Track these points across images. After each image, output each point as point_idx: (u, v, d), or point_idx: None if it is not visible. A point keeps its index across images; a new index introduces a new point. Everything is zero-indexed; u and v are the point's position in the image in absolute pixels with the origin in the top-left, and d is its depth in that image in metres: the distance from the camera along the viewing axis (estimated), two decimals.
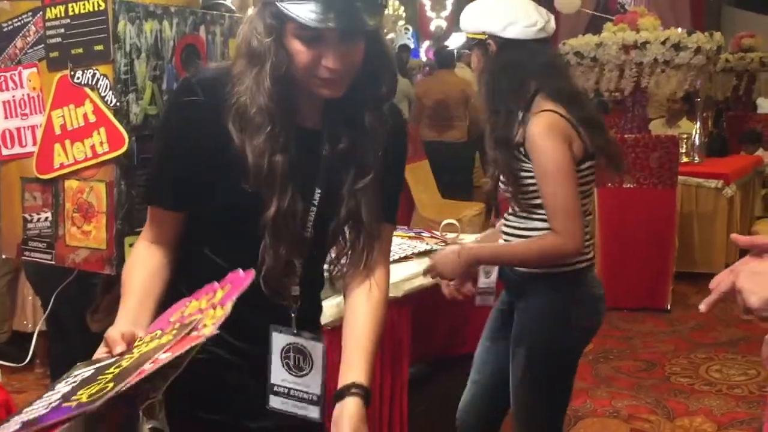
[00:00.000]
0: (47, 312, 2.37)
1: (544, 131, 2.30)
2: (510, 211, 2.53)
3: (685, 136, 6.31)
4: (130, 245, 1.92)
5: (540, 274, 2.47)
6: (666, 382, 4.25)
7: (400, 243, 3.51)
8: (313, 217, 1.57)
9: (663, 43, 5.86)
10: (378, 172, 1.57)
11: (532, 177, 2.36)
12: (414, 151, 6.89)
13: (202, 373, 1.55)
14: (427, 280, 3.26)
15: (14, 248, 2.15)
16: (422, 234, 3.75)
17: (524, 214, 2.45)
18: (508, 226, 2.54)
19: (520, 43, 2.37)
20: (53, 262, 2.06)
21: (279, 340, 1.62)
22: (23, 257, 2.15)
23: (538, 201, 2.38)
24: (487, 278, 2.64)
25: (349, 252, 1.63)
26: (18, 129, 2.09)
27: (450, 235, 3.68)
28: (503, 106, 2.38)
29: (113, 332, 1.40)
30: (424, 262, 3.34)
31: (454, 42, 13.48)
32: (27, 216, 2.09)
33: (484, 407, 2.80)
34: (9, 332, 4.54)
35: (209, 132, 1.49)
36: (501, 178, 2.48)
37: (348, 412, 1.51)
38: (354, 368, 1.61)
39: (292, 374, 1.63)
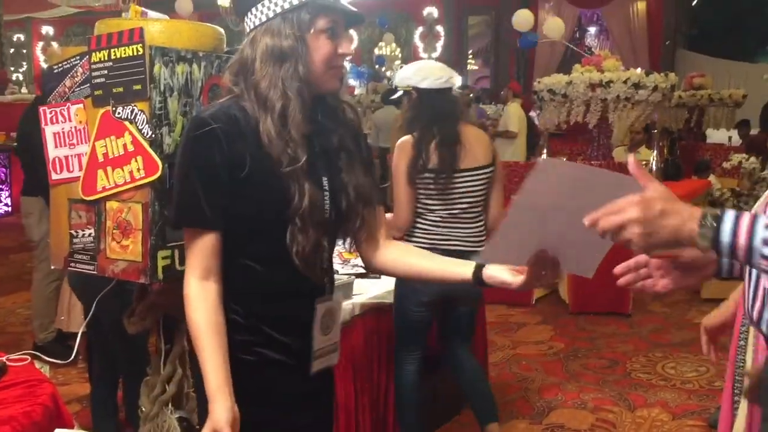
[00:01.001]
0: (89, 316, 2.37)
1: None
2: None
3: (644, 162, 6.35)
4: (162, 258, 1.93)
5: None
6: (627, 378, 4.25)
7: None
8: (328, 200, 1.63)
9: (625, 82, 5.90)
10: (361, 156, 1.70)
11: None
12: None
13: (251, 374, 1.59)
14: None
15: (62, 260, 2.16)
16: None
17: None
18: None
19: (432, 90, 3.00)
20: (95, 273, 2.06)
21: (320, 310, 1.66)
22: (69, 268, 2.16)
23: None
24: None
25: (363, 223, 1.69)
26: (66, 157, 2.10)
27: None
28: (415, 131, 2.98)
29: (221, 420, 1.47)
30: None
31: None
32: (73, 232, 2.10)
33: None
34: (55, 332, 4.54)
35: (231, 152, 1.53)
36: None
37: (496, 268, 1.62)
38: (462, 264, 1.71)
39: (324, 335, 1.69)
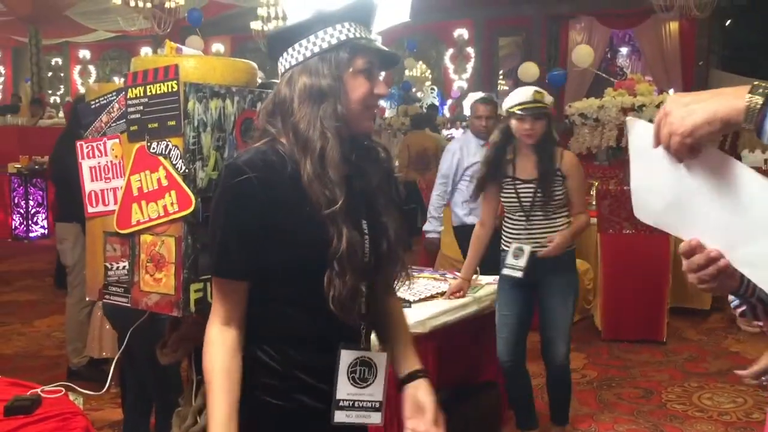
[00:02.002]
0: (123, 345, 2.40)
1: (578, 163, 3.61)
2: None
3: None
4: (195, 290, 1.94)
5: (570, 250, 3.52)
6: (662, 408, 4.17)
7: (426, 284, 3.52)
8: (368, 244, 1.61)
9: (657, 106, 5.85)
10: (395, 199, 1.71)
11: None
12: None
13: (277, 418, 1.59)
14: (451, 317, 3.26)
15: (97, 292, 2.19)
16: (446, 276, 3.75)
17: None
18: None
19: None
20: (129, 305, 2.09)
21: (346, 357, 1.62)
22: (104, 300, 2.18)
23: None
24: (516, 260, 3.42)
25: (403, 267, 1.69)
26: (102, 191, 2.13)
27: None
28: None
29: None
30: (448, 302, 3.35)
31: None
32: (108, 264, 2.12)
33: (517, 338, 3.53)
34: (88, 357, 4.59)
35: (267, 201, 1.53)
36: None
37: (424, 388, 1.69)
38: (410, 358, 1.73)
39: (356, 387, 1.64)
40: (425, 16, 11.19)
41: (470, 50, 15.70)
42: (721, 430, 3.86)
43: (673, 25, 13.71)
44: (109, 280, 2.14)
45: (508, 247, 3.46)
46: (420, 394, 1.68)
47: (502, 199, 3.51)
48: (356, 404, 1.63)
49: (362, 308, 1.61)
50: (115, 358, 2.47)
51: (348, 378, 1.63)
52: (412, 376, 1.70)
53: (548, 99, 3.49)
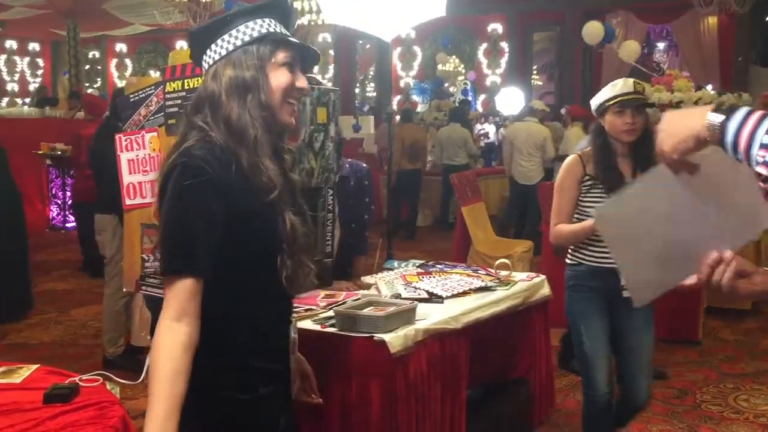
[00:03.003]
0: None
1: None
2: None
3: None
4: None
5: None
6: (697, 409, 4.10)
7: (459, 279, 3.50)
8: (306, 226, 1.70)
9: (696, 102, 5.76)
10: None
11: None
12: (472, 193, 6.88)
13: (247, 411, 1.64)
14: (483, 313, 3.24)
15: (133, 283, 2.22)
16: (479, 272, 3.73)
17: None
18: None
19: None
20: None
21: (292, 332, 1.80)
22: (141, 291, 2.21)
23: None
24: None
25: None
26: (140, 183, 2.16)
27: (503, 273, 3.66)
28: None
29: None
30: (481, 297, 3.33)
31: (507, 95, 13.47)
32: (145, 256, 2.15)
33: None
34: (123, 346, 4.66)
35: (223, 196, 1.55)
36: None
37: (302, 359, 1.93)
38: None
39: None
40: (459, 10, 11.12)
41: (504, 45, 15.58)
42: None
43: (712, 20, 13.47)
44: (146, 272, 2.17)
45: (592, 261, 3.01)
46: (304, 365, 1.93)
47: (586, 207, 3.01)
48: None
49: (304, 283, 1.71)
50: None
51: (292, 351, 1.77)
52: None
53: (649, 91, 3.21)
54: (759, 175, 1.25)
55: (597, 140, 3.04)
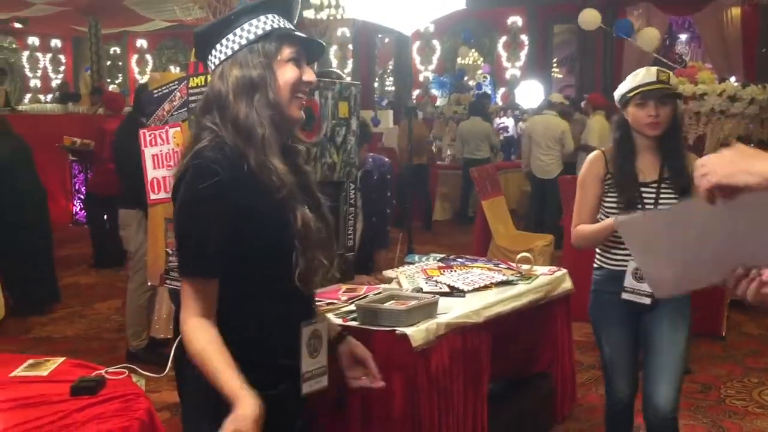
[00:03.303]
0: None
1: None
2: None
3: None
4: None
5: None
6: (722, 404, 4.07)
7: (480, 273, 3.50)
8: (321, 222, 1.69)
9: (720, 94, 5.69)
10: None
11: None
12: (492, 187, 6.85)
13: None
14: (504, 307, 3.24)
15: (157, 277, 2.24)
16: (500, 266, 3.72)
17: None
18: None
19: None
20: None
21: (306, 333, 1.71)
22: (165, 285, 2.23)
23: None
24: (641, 282, 2.72)
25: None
26: (164, 178, 2.17)
27: (524, 267, 3.65)
28: None
29: (247, 416, 1.48)
30: (502, 291, 3.32)
31: (526, 88, 13.41)
32: (169, 250, 2.17)
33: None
34: (146, 340, 4.70)
35: (236, 198, 1.56)
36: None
37: (356, 343, 1.88)
38: (331, 322, 1.95)
39: (312, 358, 1.73)
40: (479, 3, 11.07)
41: (524, 38, 15.49)
42: None
43: (735, 11, 13.29)
44: (170, 266, 2.19)
45: (612, 264, 2.84)
46: (357, 349, 1.87)
47: (609, 206, 2.82)
48: (314, 372, 1.72)
49: (320, 281, 1.70)
50: (176, 341, 2.51)
51: (308, 352, 1.71)
52: (342, 336, 1.87)
53: (674, 80, 2.93)
54: None
55: (616, 134, 2.86)
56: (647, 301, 2.72)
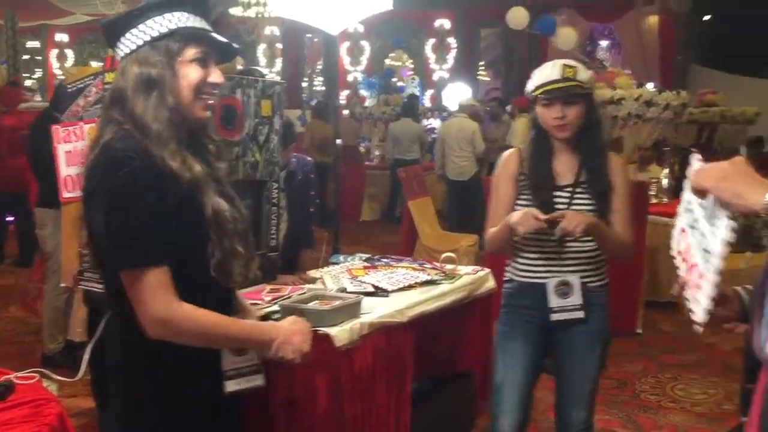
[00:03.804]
0: (98, 333, 2.38)
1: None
2: None
3: (654, 180, 6.32)
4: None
5: (604, 284, 2.67)
6: (636, 399, 4.21)
7: (404, 273, 3.51)
8: (236, 213, 1.68)
9: (636, 99, 5.90)
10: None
11: None
12: (419, 187, 6.91)
13: (183, 410, 1.65)
14: (428, 307, 3.26)
15: (71, 278, 2.17)
16: (424, 266, 3.75)
17: None
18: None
19: None
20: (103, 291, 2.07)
21: None
22: (79, 285, 2.16)
23: None
24: (566, 298, 2.53)
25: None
26: (78, 175, 2.10)
27: (448, 266, 3.69)
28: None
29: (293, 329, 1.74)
30: (426, 291, 3.35)
31: (454, 90, 13.59)
32: (82, 251, 2.10)
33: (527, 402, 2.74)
34: (63, 343, 4.55)
35: (153, 185, 1.54)
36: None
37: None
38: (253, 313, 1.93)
39: (237, 355, 1.71)
40: (407, 4, 11.14)
41: (451, 40, 15.68)
42: (693, 420, 3.91)
43: (653, 19, 13.79)
44: (84, 267, 2.12)
45: (522, 276, 2.62)
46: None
47: (522, 208, 2.55)
48: (241, 371, 1.70)
49: (240, 273, 1.67)
50: (90, 344, 2.45)
51: (229, 349, 1.69)
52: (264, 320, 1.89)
53: (584, 75, 2.53)
54: None
55: (532, 132, 2.64)
56: (581, 314, 2.53)
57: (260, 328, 1.75)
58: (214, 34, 1.66)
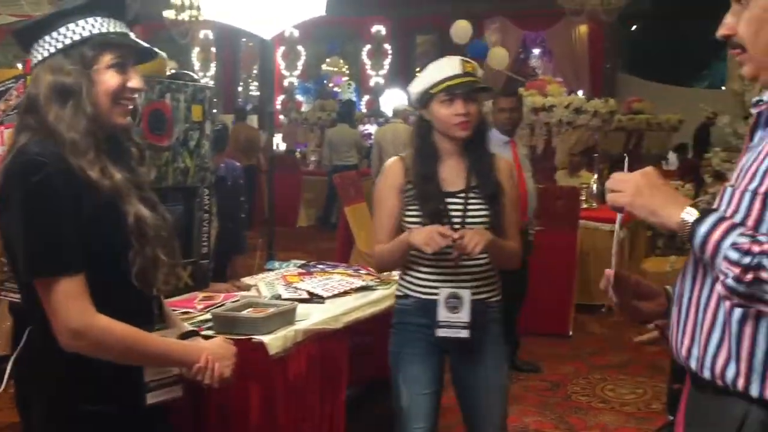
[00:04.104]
0: (21, 344, 2.29)
1: None
2: None
3: (585, 185, 6.45)
4: None
5: (500, 300, 2.54)
6: (568, 401, 4.29)
7: (340, 279, 3.50)
8: (160, 221, 1.65)
9: (567, 107, 6.03)
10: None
11: None
12: (355, 193, 6.90)
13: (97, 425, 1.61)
14: (363, 313, 3.26)
15: None
16: (360, 271, 3.75)
17: None
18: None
19: None
20: None
21: None
22: (1, 296, 2.09)
23: None
24: (455, 313, 2.37)
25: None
26: None
27: (384, 273, 3.69)
28: None
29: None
30: (361, 297, 3.35)
31: (390, 96, 13.66)
32: (3, 260, 2.03)
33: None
34: None
35: (69, 191, 1.50)
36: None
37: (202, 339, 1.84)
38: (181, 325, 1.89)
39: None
40: (342, 10, 11.14)
41: (387, 47, 15.76)
42: (622, 420, 4.01)
43: (582, 29, 14.14)
44: (6, 276, 2.05)
45: (420, 291, 2.47)
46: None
47: (410, 220, 2.43)
48: (161, 382, 1.68)
49: (165, 281, 1.65)
50: (13, 357, 2.36)
51: None
52: (188, 336, 1.80)
53: (479, 71, 2.46)
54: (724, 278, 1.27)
55: (417, 138, 2.46)
56: (465, 333, 2.36)
57: (182, 348, 1.69)
58: (132, 37, 1.63)
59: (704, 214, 1.31)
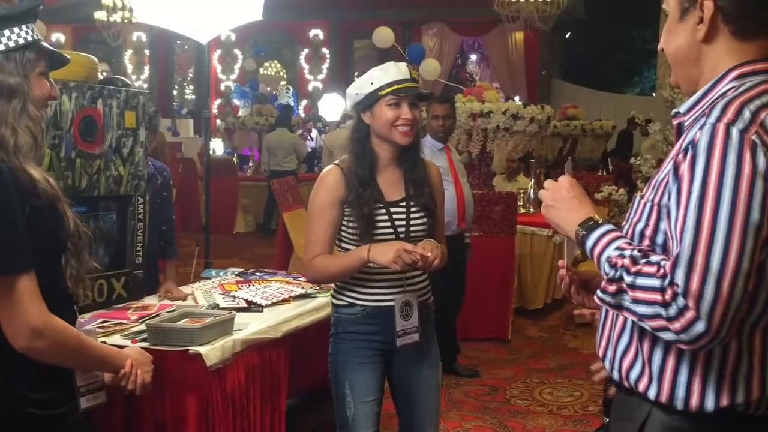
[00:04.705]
0: None
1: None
2: None
3: (522, 190, 6.54)
4: None
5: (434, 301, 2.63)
6: (507, 405, 4.34)
7: (279, 287, 3.47)
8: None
9: (504, 113, 6.11)
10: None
11: None
12: (293, 199, 6.86)
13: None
14: (303, 321, 3.23)
15: None
16: (299, 279, 3.72)
17: None
18: None
19: None
20: None
21: None
22: None
23: None
24: (408, 320, 2.42)
25: None
26: None
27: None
28: None
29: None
30: (301, 305, 3.32)
31: (329, 101, 13.64)
32: None
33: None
34: None
35: (16, 191, 1.50)
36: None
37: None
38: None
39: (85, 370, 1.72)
40: (280, 14, 11.09)
41: (326, 51, 15.74)
42: (560, 423, 4.07)
43: (519, 36, 14.40)
44: None
45: (372, 300, 2.45)
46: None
47: (350, 232, 2.43)
48: (90, 387, 1.70)
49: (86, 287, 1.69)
50: None
51: None
52: None
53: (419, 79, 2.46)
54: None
55: (356, 145, 2.42)
56: (417, 337, 2.43)
57: (113, 352, 1.76)
58: (49, 46, 1.68)
59: (590, 229, 1.42)
